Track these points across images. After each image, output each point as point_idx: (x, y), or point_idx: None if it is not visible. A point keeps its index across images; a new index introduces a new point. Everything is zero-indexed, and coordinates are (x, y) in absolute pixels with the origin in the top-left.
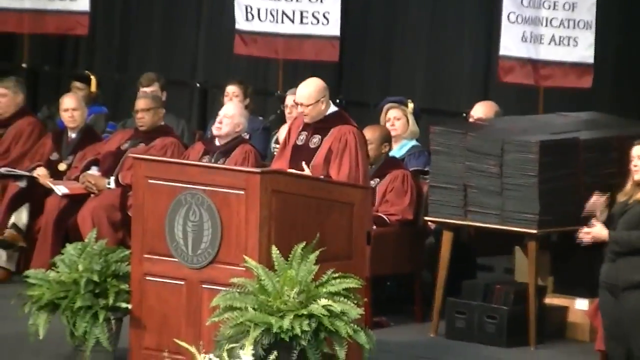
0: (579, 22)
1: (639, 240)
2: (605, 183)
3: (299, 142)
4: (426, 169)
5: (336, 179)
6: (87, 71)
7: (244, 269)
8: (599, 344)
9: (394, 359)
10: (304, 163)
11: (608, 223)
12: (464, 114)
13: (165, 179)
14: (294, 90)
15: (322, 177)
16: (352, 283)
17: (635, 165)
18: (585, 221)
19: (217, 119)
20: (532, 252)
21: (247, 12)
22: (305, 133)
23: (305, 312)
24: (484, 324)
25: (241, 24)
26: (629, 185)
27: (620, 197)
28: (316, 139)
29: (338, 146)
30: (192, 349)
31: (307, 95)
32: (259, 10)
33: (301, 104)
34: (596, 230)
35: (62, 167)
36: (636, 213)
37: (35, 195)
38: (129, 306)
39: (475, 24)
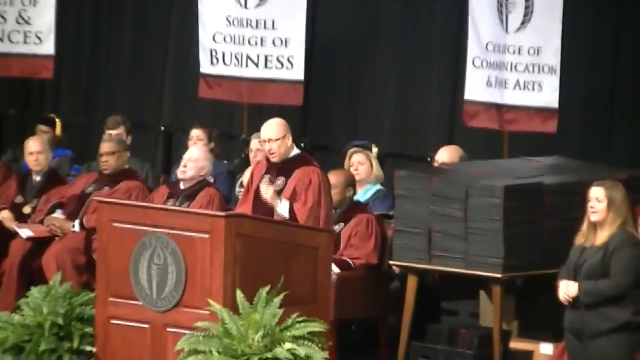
0: (543, 66)
1: (608, 289)
2: (570, 228)
3: (261, 184)
4: (390, 213)
5: (301, 212)
6: (52, 114)
7: (208, 312)
8: None
9: None
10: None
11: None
12: (429, 159)
13: (130, 222)
14: (259, 134)
15: (286, 220)
16: (316, 327)
17: (592, 207)
18: (548, 266)
19: (182, 163)
20: (496, 297)
21: (212, 56)
22: (269, 176)
23: (269, 355)
24: None
25: (206, 67)
26: (584, 227)
27: (579, 240)
28: (280, 180)
29: (302, 186)
30: None
31: (275, 131)
32: (223, 54)
33: (269, 140)
34: (564, 290)
35: (26, 210)
36: (597, 262)
37: (1, 237)
38: (94, 349)
39: (441, 68)
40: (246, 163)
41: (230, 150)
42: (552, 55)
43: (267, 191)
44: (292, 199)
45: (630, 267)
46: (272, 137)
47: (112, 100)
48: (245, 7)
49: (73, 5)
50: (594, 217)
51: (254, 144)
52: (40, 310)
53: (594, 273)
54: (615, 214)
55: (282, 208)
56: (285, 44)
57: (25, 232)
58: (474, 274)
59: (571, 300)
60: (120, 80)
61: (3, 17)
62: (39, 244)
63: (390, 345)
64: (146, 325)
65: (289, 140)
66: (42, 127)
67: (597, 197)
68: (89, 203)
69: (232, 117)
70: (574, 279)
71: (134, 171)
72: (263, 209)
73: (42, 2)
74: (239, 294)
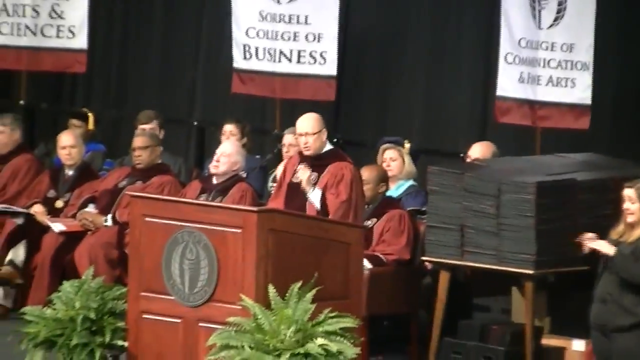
0: (576, 63)
1: (632, 272)
2: (602, 224)
3: (295, 180)
4: (423, 209)
5: (333, 203)
6: (84, 108)
7: (240, 307)
8: None
9: None
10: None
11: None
12: (461, 155)
13: (162, 217)
14: (292, 129)
15: (318, 214)
16: (348, 322)
17: (627, 208)
18: (584, 261)
19: (215, 158)
20: (528, 293)
21: (245, 51)
22: (302, 170)
23: (301, 351)
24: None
25: (239, 62)
26: (621, 226)
27: (614, 235)
28: (313, 176)
29: (334, 180)
30: None
31: (311, 125)
32: (256, 49)
33: (306, 134)
34: (602, 244)
35: (59, 204)
36: (628, 254)
37: (32, 232)
38: (126, 344)
39: (472, 64)
40: (279, 158)
41: (263, 145)
42: (585, 52)
43: (304, 173)
44: (324, 192)
45: None
46: (309, 130)
47: (144, 94)
48: (278, 2)
49: (105, 0)
50: (630, 219)
51: (287, 138)
52: (73, 304)
53: (627, 268)
54: None
55: (315, 196)
56: (318, 39)
57: (57, 226)
58: (506, 270)
59: (590, 248)
60: (153, 74)
61: (36, 11)
62: (72, 239)
63: (422, 341)
64: (178, 320)
65: (324, 135)
66: (75, 122)
67: (630, 197)
68: (121, 197)
69: (264, 112)
70: (605, 270)
71: (167, 166)
72: (295, 204)
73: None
74: (271, 289)
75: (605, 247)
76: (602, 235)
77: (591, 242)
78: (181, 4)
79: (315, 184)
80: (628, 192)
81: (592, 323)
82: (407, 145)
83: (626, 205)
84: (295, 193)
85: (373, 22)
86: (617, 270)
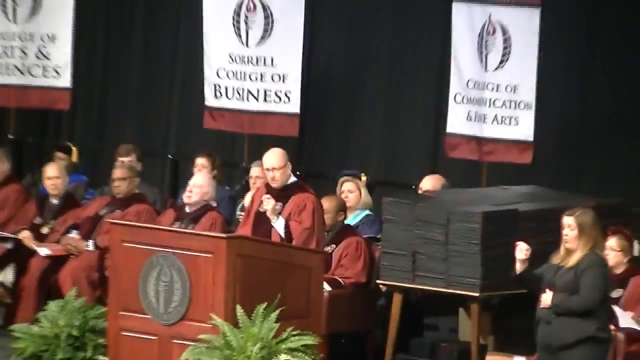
0: (520, 103)
1: (577, 304)
2: (542, 251)
3: (262, 209)
4: (378, 237)
5: (296, 230)
6: (68, 142)
7: (211, 325)
8: None
9: None
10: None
11: (531, 277)
12: (414, 186)
13: (139, 242)
14: (258, 163)
15: (282, 241)
16: (309, 340)
17: (566, 234)
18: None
19: (188, 188)
20: (474, 314)
21: (215, 90)
22: (268, 200)
23: None
24: None
25: (210, 100)
26: (562, 251)
27: (555, 260)
28: (278, 206)
29: (297, 209)
30: None
31: (277, 160)
32: (226, 88)
33: (272, 168)
34: (544, 298)
35: (44, 230)
36: (569, 280)
37: (20, 256)
38: (106, 359)
39: (425, 103)
40: (246, 189)
41: (232, 177)
42: (528, 92)
43: (268, 203)
44: (288, 220)
45: (597, 286)
46: (275, 165)
47: (123, 129)
48: (247, 45)
49: (86, 42)
50: (567, 245)
51: (254, 171)
52: (57, 322)
53: (566, 289)
54: (586, 240)
55: (279, 225)
56: (283, 80)
57: (43, 250)
58: (454, 293)
59: (547, 307)
60: (131, 111)
61: (24, 52)
62: (56, 262)
63: (377, 357)
64: (154, 337)
65: (289, 169)
66: (59, 154)
67: (569, 225)
68: (102, 224)
69: (233, 146)
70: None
71: (144, 195)
72: (262, 231)
73: (60, 39)
74: (239, 309)
75: (546, 299)
76: (544, 260)
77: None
78: (158, 46)
79: (280, 214)
80: (567, 220)
81: (538, 343)
82: (364, 177)
83: (565, 231)
84: (262, 221)
85: (334, 64)
86: (559, 311)
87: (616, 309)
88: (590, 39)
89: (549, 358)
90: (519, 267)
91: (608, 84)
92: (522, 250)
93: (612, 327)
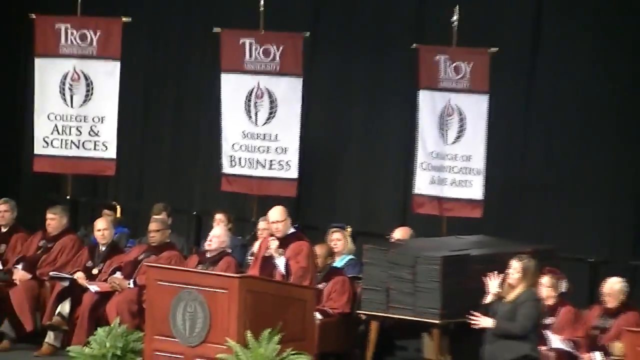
0: (472, 169)
1: (514, 330)
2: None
3: (267, 254)
4: (359, 276)
5: (294, 267)
6: (113, 202)
7: (226, 347)
8: None
9: None
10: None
11: (488, 308)
12: (387, 236)
13: (170, 281)
14: (265, 218)
15: (283, 279)
16: (304, 358)
17: (511, 274)
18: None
19: (208, 238)
20: (436, 337)
21: (231, 160)
22: (271, 248)
23: None
24: None
25: (227, 168)
26: (505, 287)
27: (500, 295)
28: (280, 250)
29: (295, 253)
30: None
31: (279, 215)
32: (239, 159)
33: (276, 222)
34: (484, 321)
35: (94, 271)
36: (510, 309)
37: (75, 292)
38: None
39: (396, 169)
40: (255, 239)
41: (244, 229)
42: (479, 161)
43: (273, 243)
44: (288, 260)
45: (531, 316)
46: (278, 219)
47: (157, 191)
48: (256, 124)
49: (128, 122)
50: (510, 281)
51: (261, 224)
52: (104, 344)
53: (505, 317)
54: (527, 281)
55: (280, 262)
56: (285, 152)
57: (94, 287)
58: (419, 321)
59: (478, 326)
60: (163, 176)
61: (79, 131)
62: (104, 297)
63: None
64: (181, 356)
65: (289, 222)
66: (107, 211)
67: (515, 268)
68: (140, 267)
69: (245, 205)
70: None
71: (173, 244)
72: (266, 272)
73: (107, 120)
74: (249, 334)
75: (487, 323)
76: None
77: (477, 323)
78: (185, 124)
79: (281, 254)
80: (514, 264)
81: (484, 359)
82: (349, 229)
83: (511, 272)
84: (267, 264)
85: (323, 139)
86: (499, 332)
87: (548, 333)
88: (529, 120)
89: None
90: (489, 299)
91: (544, 155)
92: (494, 287)
93: (544, 347)
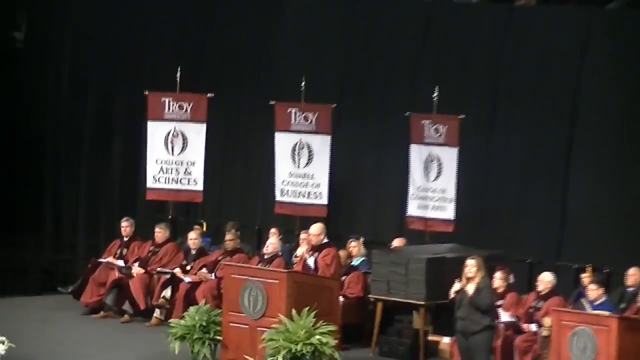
0: (446, 199)
1: (482, 304)
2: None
3: (306, 257)
4: (369, 271)
5: (322, 263)
6: (201, 220)
7: (278, 320)
8: (456, 359)
9: None
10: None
11: (457, 294)
12: (389, 244)
13: (240, 274)
14: (305, 231)
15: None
16: (332, 327)
17: (469, 270)
18: (447, 298)
19: (266, 245)
20: (422, 313)
21: (281, 192)
22: (311, 252)
23: (308, 342)
24: (397, 346)
25: (278, 197)
26: (463, 280)
27: (462, 285)
28: (315, 255)
29: (324, 255)
30: (252, 359)
31: (317, 230)
32: (288, 191)
33: (316, 235)
34: (468, 287)
35: (188, 268)
36: (475, 293)
37: (174, 282)
38: (220, 338)
39: (395, 199)
40: (297, 245)
41: (290, 239)
42: (451, 193)
43: (306, 249)
44: (318, 259)
45: (490, 297)
46: (316, 233)
47: (230, 213)
48: (299, 167)
49: (211, 165)
50: (469, 275)
51: (302, 236)
52: (194, 318)
53: (472, 299)
54: (481, 272)
55: (310, 261)
56: (318, 186)
57: (187, 279)
58: (410, 302)
59: (455, 291)
60: (234, 204)
61: (177, 171)
62: (194, 285)
63: (368, 337)
64: (247, 326)
65: (322, 236)
66: (196, 227)
67: (472, 264)
68: (219, 265)
69: (291, 222)
70: (461, 302)
71: (242, 249)
72: (306, 269)
73: (197, 164)
74: (293, 311)
75: (470, 289)
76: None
77: (455, 287)
78: (249, 168)
79: (312, 256)
80: (470, 262)
81: (457, 331)
82: (362, 239)
83: (468, 268)
84: (305, 264)
85: (344, 177)
86: (471, 301)
87: (500, 310)
88: (486, 165)
89: (463, 340)
90: (454, 292)
91: (497, 189)
92: (456, 286)
93: (497, 321)
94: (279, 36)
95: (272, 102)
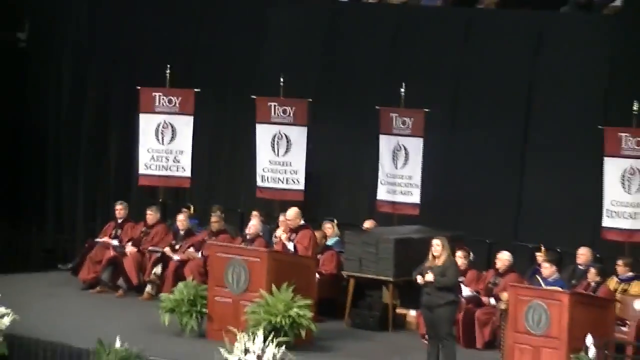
0: (413, 184)
1: (448, 282)
2: (417, 258)
3: (283, 239)
4: (342, 250)
5: (300, 247)
6: (189, 204)
7: (259, 294)
8: (422, 330)
9: (327, 336)
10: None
11: (419, 271)
12: (361, 226)
13: (224, 252)
14: (283, 214)
15: (294, 252)
16: (308, 301)
17: (435, 249)
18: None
19: (248, 226)
20: (390, 288)
21: (262, 178)
22: (289, 235)
23: (287, 314)
24: (368, 319)
25: (259, 183)
26: (430, 257)
27: (429, 263)
28: (293, 236)
29: (301, 237)
30: (235, 330)
31: (292, 214)
32: (267, 177)
33: (292, 219)
34: (428, 276)
35: (177, 247)
36: (441, 271)
37: (164, 260)
38: (207, 311)
39: (366, 184)
40: (277, 227)
41: (270, 221)
42: (417, 179)
43: (283, 234)
44: (296, 243)
45: (455, 274)
46: (291, 217)
47: (216, 197)
48: (277, 155)
49: (198, 154)
50: (435, 254)
51: (281, 218)
52: (183, 292)
53: (439, 275)
54: (446, 251)
55: (290, 245)
56: (296, 173)
57: (176, 257)
58: (380, 278)
59: (425, 281)
60: (221, 189)
61: (167, 159)
62: (183, 263)
63: (341, 310)
64: (230, 300)
65: (298, 220)
66: (184, 210)
67: (437, 243)
68: (205, 244)
69: (271, 205)
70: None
71: (226, 230)
72: (285, 249)
73: (185, 153)
74: (274, 287)
75: (429, 277)
76: (422, 264)
77: (421, 280)
78: (233, 156)
79: (291, 240)
80: (436, 242)
81: (422, 305)
82: (335, 221)
83: (434, 248)
84: (284, 245)
85: (320, 165)
86: (438, 284)
87: (462, 286)
88: (448, 154)
89: (428, 313)
90: (420, 280)
91: (457, 175)
92: (420, 279)
93: (460, 296)
94: (261, 37)
95: (253, 97)
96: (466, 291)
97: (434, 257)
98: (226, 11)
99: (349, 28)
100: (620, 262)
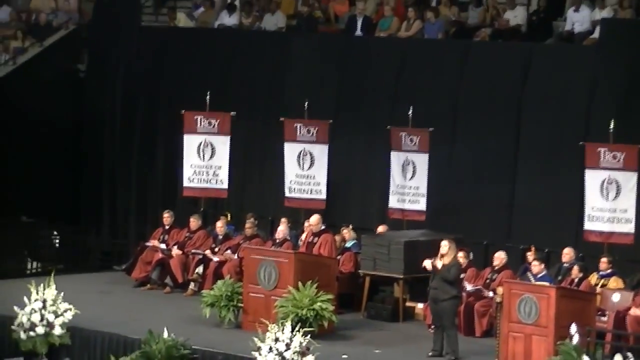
0: (421, 194)
1: (450, 277)
2: (428, 258)
3: (309, 241)
4: (359, 252)
5: (323, 249)
6: (226, 212)
7: (287, 290)
8: (428, 321)
9: (346, 326)
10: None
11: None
12: (374, 230)
13: (257, 254)
14: (308, 220)
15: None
16: (330, 296)
17: (443, 249)
18: (422, 272)
19: (277, 231)
20: (401, 284)
21: (290, 190)
22: (312, 237)
23: (311, 307)
24: (382, 311)
25: (287, 194)
26: (438, 257)
27: (436, 261)
28: (316, 239)
29: (324, 240)
30: (267, 322)
31: (315, 220)
32: (295, 189)
33: (313, 224)
34: (437, 263)
35: (216, 250)
36: (446, 269)
37: (205, 261)
38: (242, 305)
39: (379, 194)
40: (302, 232)
41: (297, 226)
42: (423, 189)
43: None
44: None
45: (458, 272)
46: (314, 222)
47: (249, 206)
48: (303, 170)
49: (235, 169)
50: (442, 252)
51: (306, 224)
52: (221, 289)
53: (443, 273)
54: (452, 252)
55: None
56: (319, 185)
57: (215, 259)
58: (392, 276)
59: (434, 266)
60: (255, 200)
61: (207, 173)
62: (221, 263)
63: (358, 304)
64: (262, 296)
65: (321, 223)
66: (222, 217)
67: (445, 244)
68: (240, 247)
69: (297, 213)
70: (434, 276)
71: (258, 234)
72: (310, 250)
73: (223, 168)
74: (300, 284)
75: (438, 264)
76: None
77: (429, 263)
78: (264, 170)
79: (314, 244)
80: (444, 243)
81: (430, 298)
82: (351, 226)
83: (442, 248)
84: (309, 247)
85: (340, 178)
86: (441, 275)
87: (465, 282)
88: (451, 167)
89: (434, 305)
90: (429, 265)
91: (459, 186)
92: (429, 264)
93: (463, 291)
94: (287, 67)
95: (282, 119)
96: (468, 286)
97: (441, 255)
98: (256, 44)
99: (363, 58)
100: (604, 259)
